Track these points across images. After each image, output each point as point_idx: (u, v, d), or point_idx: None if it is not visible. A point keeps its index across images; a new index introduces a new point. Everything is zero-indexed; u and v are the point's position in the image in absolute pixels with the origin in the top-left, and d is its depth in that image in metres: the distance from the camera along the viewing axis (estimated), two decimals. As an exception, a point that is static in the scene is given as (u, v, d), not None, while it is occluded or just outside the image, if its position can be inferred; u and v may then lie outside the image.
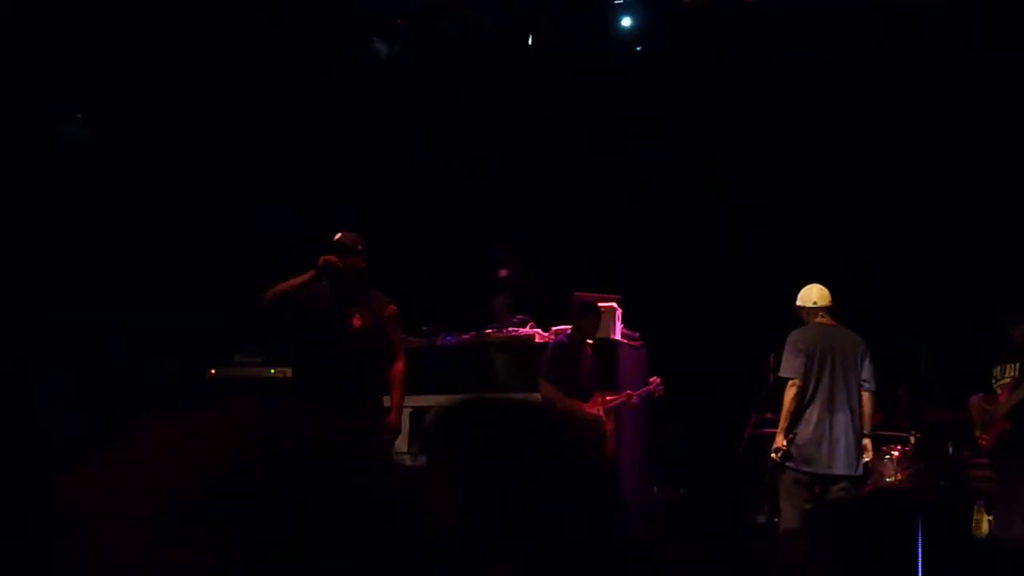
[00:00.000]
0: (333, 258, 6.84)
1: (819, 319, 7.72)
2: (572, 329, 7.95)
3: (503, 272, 9.21)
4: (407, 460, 7.98)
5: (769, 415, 8.08)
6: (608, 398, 7.81)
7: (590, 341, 7.96)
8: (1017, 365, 7.39)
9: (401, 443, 7.94)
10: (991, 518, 7.38)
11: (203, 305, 9.41)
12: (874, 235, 9.91)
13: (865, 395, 7.61)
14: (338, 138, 10.28)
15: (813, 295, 7.74)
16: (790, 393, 7.45)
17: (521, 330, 8.44)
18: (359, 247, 6.93)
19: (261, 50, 9.49)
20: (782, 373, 7.56)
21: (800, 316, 7.77)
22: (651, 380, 8.07)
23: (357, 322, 6.92)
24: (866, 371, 7.58)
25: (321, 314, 6.93)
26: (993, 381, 7.47)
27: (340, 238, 6.93)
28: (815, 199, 10.05)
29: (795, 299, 7.79)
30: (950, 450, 8.60)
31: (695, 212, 10.21)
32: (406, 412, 7.68)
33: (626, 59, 9.80)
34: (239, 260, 9.36)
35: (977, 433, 7.53)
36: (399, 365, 7.02)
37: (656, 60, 9.77)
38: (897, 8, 9.02)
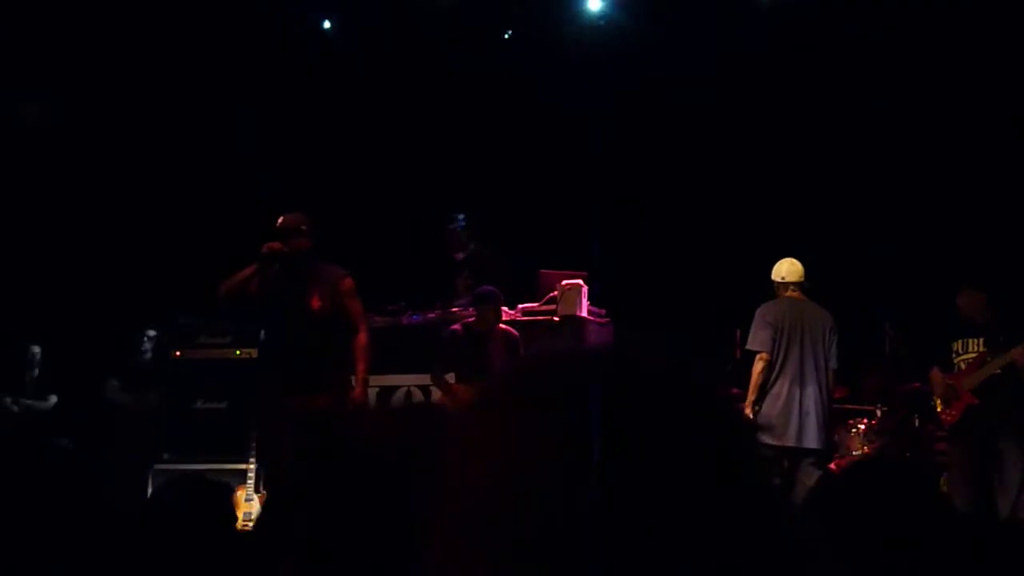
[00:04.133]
0: (276, 244, 6.76)
1: (789, 293, 7.72)
2: (475, 318, 8.03)
3: (459, 255, 9.17)
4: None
5: (736, 390, 8.08)
6: None
7: (503, 326, 8.05)
8: (980, 340, 7.39)
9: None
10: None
11: (170, 284, 9.36)
12: (840, 209, 9.92)
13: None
14: (292, 116, 10.23)
15: (782, 270, 7.74)
16: (758, 367, 7.44)
17: (502, 313, 8.37)
18: (303, 227, 6.85)
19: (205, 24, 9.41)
20: (749, 346, 7.55)
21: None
22: None
23: (315, 303, 6.85)
24: (831, 348, 7.58)
25: (278, 301, 6.85)
26: (954, 356, 7.45)
27: (282, 222, 6.85)
28: (783, 174, 10.05)
29: (760, 275, 7.81)
30: (916, 423, 8.63)
31: (661, 187, 10.19)
32: (373, 391, 7.66)
33: (590, 32, 9.77)
34: (206, 239, 9.29)
35: (939, 408, 7.51)
36: (361, 337, 6.94)
37: (619, 31, 9.74)
38: None
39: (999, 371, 7.19)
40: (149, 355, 9.29)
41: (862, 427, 8.65)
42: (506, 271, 8.77)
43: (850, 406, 8.90)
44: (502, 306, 8.18)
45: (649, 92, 10.03)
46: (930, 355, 7.64)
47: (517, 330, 8.09)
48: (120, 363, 9.29)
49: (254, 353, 8.57)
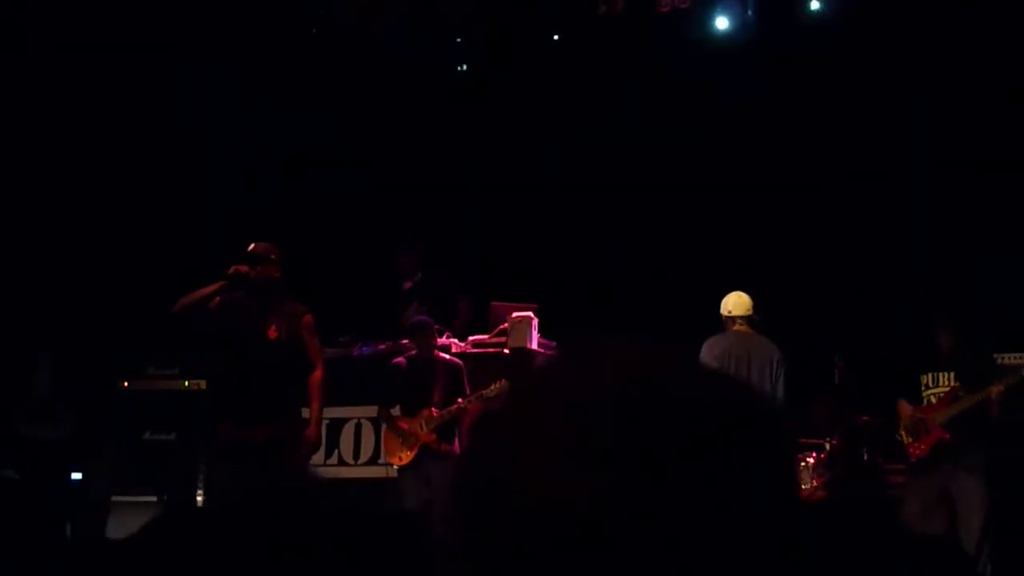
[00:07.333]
0: (244, 268, 6.76)
1: (736, 327, 7.75)
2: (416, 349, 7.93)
3: (407, 284, 9.17)
4: (324, 473, 7.92)
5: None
6: (435, 413, 7.67)
7: (446, 357, 7.96)
8: (951, 375, 7.35)
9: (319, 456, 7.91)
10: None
11: (115, 316, 9.26)
12: (788, 244, 9.97)
13: None
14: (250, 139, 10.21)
15: (729, 304, 7.78)
16: (703, 401, 7.42)
17: (438, 340, 8.37)
18: (272, 256, 6.85)
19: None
20: (694, 379, 7.53)
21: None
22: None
23: (273, 334, 6.85)
24: (779, 382, 7.59)
25: (236, 325, 6.83)
26: (923, 389, 7.42)
27: (253, 248, 6.85)
28: (732, 208, 10.09)
29: (710, 308, 7.84)
30: (865, 456, 8.64)
31: (612, 221, 10.21)
32: (323, 424, 7.61)
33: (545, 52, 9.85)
34: (155, 267, 9.23)
35: (906, 440, 7.44)
36: (317, 374, 6.96)
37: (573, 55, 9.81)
38: None
39: (971, 407, 7.18)
40: (47, 380, 8.64)
41: (811, 460, 8.64)
42: (455, 300, 8.79)
43: (800, 439, 8.89)
44: (436, 333, 8.12)
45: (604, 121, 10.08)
46: (891, 387, 7.63)
47: (466, 362, 8.05)
48: (19, 392, 8.64)
49: (203, 384, 8.51)
